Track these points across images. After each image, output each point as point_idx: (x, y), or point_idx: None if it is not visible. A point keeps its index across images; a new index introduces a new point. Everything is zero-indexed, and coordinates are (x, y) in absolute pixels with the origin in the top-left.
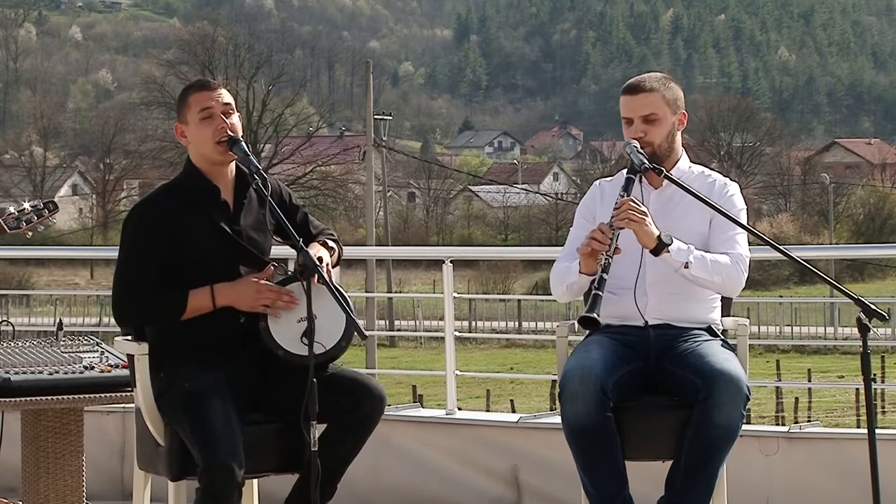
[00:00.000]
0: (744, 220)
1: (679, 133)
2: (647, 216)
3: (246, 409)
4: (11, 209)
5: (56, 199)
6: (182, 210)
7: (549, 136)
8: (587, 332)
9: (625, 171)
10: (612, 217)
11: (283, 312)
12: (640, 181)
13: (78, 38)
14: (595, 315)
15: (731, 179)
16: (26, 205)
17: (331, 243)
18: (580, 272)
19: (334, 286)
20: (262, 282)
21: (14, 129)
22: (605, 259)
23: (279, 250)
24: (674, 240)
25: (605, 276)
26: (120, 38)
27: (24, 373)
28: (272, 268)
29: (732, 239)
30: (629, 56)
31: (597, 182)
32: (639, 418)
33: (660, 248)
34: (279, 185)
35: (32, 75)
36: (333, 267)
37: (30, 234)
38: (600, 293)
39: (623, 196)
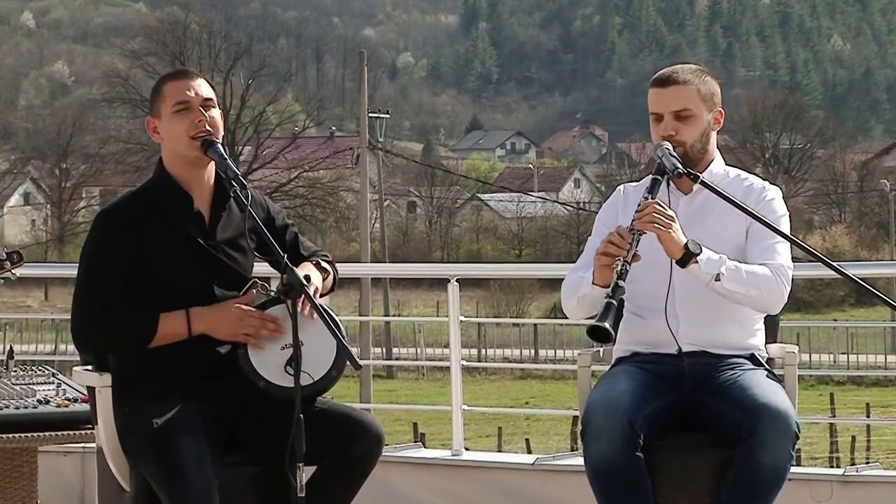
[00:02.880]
0: (785, 229)
1: (714, 133)
2: (674, 221)
3: (222, 449)
4: None
5: (6, 209)
6: (150, 220)
7: (569, 136)
8: (613, 361)
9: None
10: (634, 220)
11: (265, 340)
12: (668, 185)
13: (30, 26)
14: (607, 325)
15: (772, 184)
16: None
17: (324, 264)
18: (593, 283)
19: (323, 309)
20: (245, 307)
21: None
22: (623, 265)
23: (261, 269)
24: (703, 249)
25: (620, 283)
26: (78, 25)
27: None
28: (255, 291)
29: (771, 248)
30: (660, 45)
31: (621, 187)
32: (672, 459)
33: (687, 257)
34: (264, 198)
35: None
36: (328, 293)
37: None
38: (613, 301)
39: (647, 198)
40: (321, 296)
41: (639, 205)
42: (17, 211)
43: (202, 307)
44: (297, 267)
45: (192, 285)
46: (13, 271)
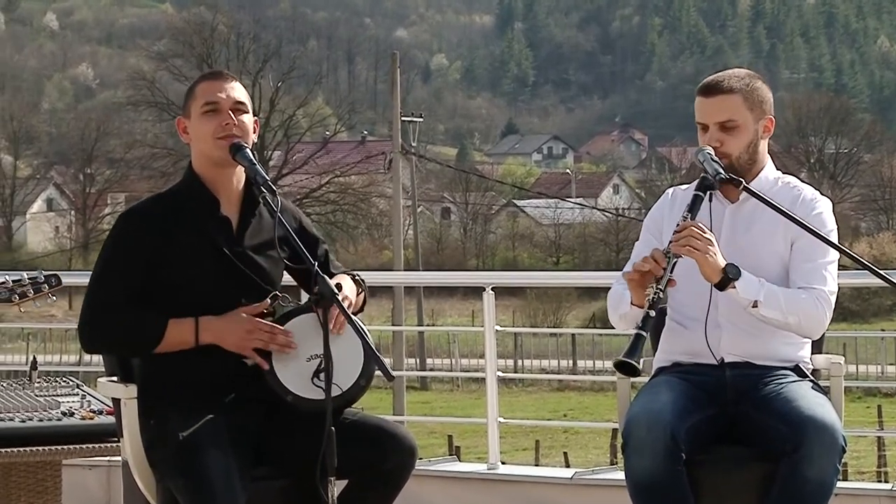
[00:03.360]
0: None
1: (764, 141)
2: (712, 244)
3: (250, 462)
4: (6, 278)
5: (28, 215)
6: (173, 222)
7: (608, 141)
8: (653, 372)
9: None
10: (671, 242)
11: (291, 351)
12: (711, 199)
13: (54, 27)
14: (633, 362)
15: (822, 194)
16: (24, 275)
17: (358, 283)
18: (632, 303)
19: (352, 318)
20: (256, 319)
21: None
22: (655, 293)
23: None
24: (742, 273)
25: (651, 312)
26: (103, 26)
27: None
28: (269, 300)
29: (817, 271)
30: (702, 47)
31: (669, 189)
32: (715, 473)
33: (725, 282)
34: (295, 208)
35: (0, 71)
36: (358, 311)
37: (23, 310)
38: (643, 333)
39: (686, 218)
40: (354, 312)
41: (677, 224)
42: (41, 217)
43: (212, 316)
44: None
45: (212, 292)
46: (51, 294)
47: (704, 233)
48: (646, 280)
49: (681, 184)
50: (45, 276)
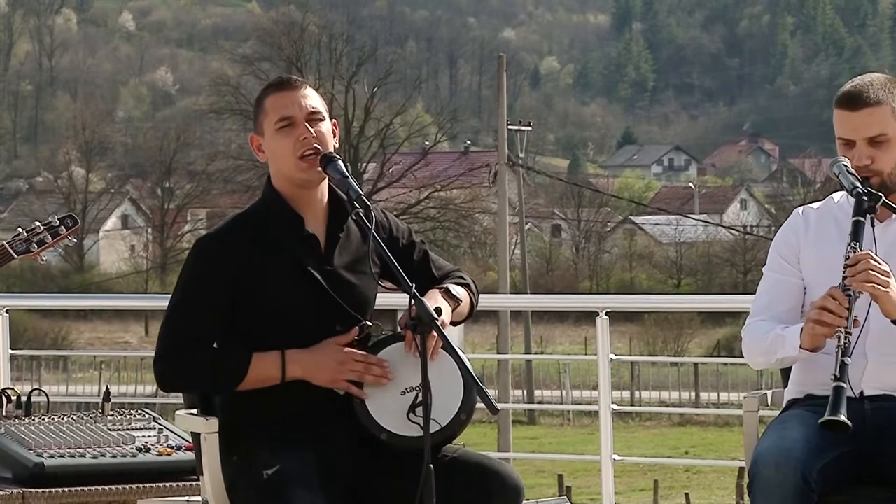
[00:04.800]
0: None
1: None
2: (890, 277)
3: (341, 502)
4: (20, 229)
5: (102, 233)
6: (258, 248)
7: (735, 151)
8: (784, 405)
9: (836, 194)
10: (845, 277)
11: (384, 384)
12: (873, 224)
13: (130, 28)
14: (843, 419)
15: None
16: (37, 222)
17: (455, 291)
18: (801, 347)
19: (452, 345)
20: (347, 349)
21: (49, 144)
22: (845, 338)
23: (386, 299)
24: None
25: (846, 360)
26: (183, 27)
27: (62, 455)
28: (359, 329)
29: None
30: (838, 49)
31: (798, 209)
32: None
33: None
34: (385, 215)
35: (72, 75)
36: (463, 320)
37: (44, 258)
38: (844, 385)
39: (853, 247)
40: (454, 324)
41: (846, 257)
42: (115, 235)
43: (299, 350)
44: (424, 294)
45: (303, 318)
46: (70, 237)
47: (881, 264)
48: (831, 331)
49: (812, 201)
50: (59, 220)
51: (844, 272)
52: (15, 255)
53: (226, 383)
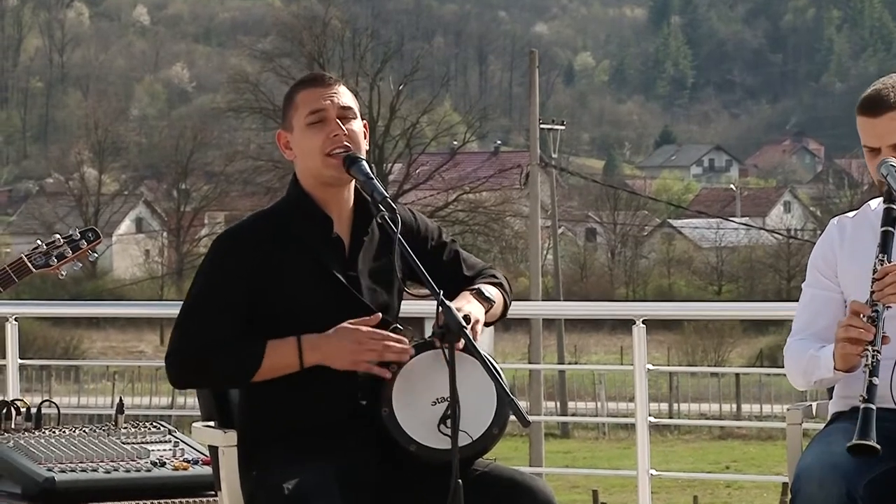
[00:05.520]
0: None
1: None
2: None
3: None
4: (40, 241)
5: (115, 237)
6: (279, 245)
7: (779, 151)
8: (829, 418)
9: (873, 202)
10: (874, 291)
11: (413, 393)
12: None
13: (144, 23)
14: (872, 443)
15: None
16: (57, 235)
17: (487, 292)
18: (835, 369)
19: (484, 355)
20: (363, 327)
21: (59, 144)
22: (873, 357)
23: (413, 306)
24: None
25: (875, 380)
26: (200, 21)
27: (73, 470)
28: (390, 331)
29: None
30: (887, 43)
31: (834, 220)
32: None
33: None
34: (412, 215)
35: (84, 72)
36: (496, 320)
37: (63, 273)
38: (872, 406)
39: (881, 259)
40: (487, 324)
41: (874, 270)
42: (128, 240)
43: (315, 335)
44: (456, 295)
45: (324, 323)
46: (92, 250)
47: None
48: (860, 348)
49: (846, 211)
50: (80, 233)
51: (872, 286)
52: (34, 269)
53: (241, 372)
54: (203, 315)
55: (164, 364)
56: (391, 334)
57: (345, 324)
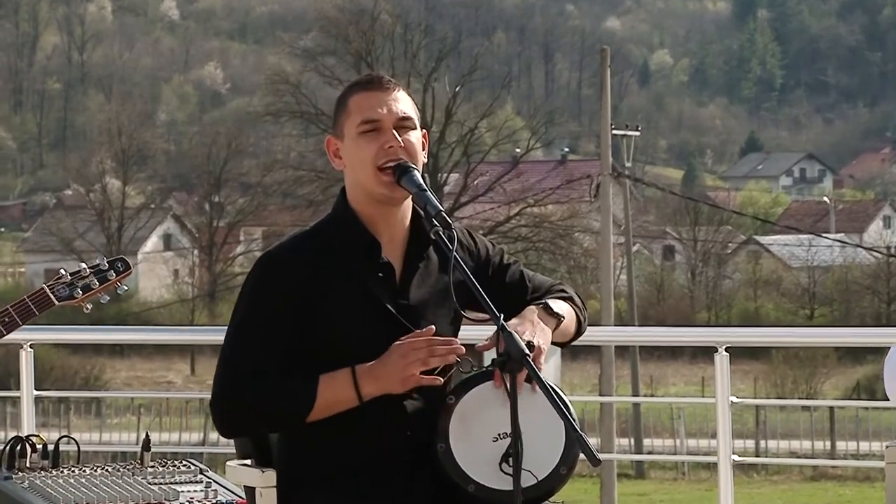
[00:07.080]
0: None
1: None
2: None
3: None
4: (63, 271)
5: (141, 255)
6: (324, 272)
7: (877, 160)
8: None
9: None
10: None
11: (471, 427)
12: None
13: (174, 18)
14: None
15: None
16: (84, 265)
17: (557, 308)
18: None
19: (550, 386)
20: (403, 340)
21: (79, 152)
22: None
23: (469, 333)
24: None
25: None
26: (234, 16)
27: None
28: (434, 328)
29: None
30: None
31: None
32: None
33: None
34: (473, 237)
35: (106, 72)
36: (568, 341)
37: (89, 307)
38: None
39: None
40: (559, 345)
41: None
42: (156, 258)
43: (368, 364)
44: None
45: (371, 356)
46: (120, 283)
47: None
48: None
49: None
50: (108, 263)
51: None
52: (56, 302)
53: (294, 413)
54: (247, 353)
55: (194, 396)
56: (435, 337)
57: (395, 343)
